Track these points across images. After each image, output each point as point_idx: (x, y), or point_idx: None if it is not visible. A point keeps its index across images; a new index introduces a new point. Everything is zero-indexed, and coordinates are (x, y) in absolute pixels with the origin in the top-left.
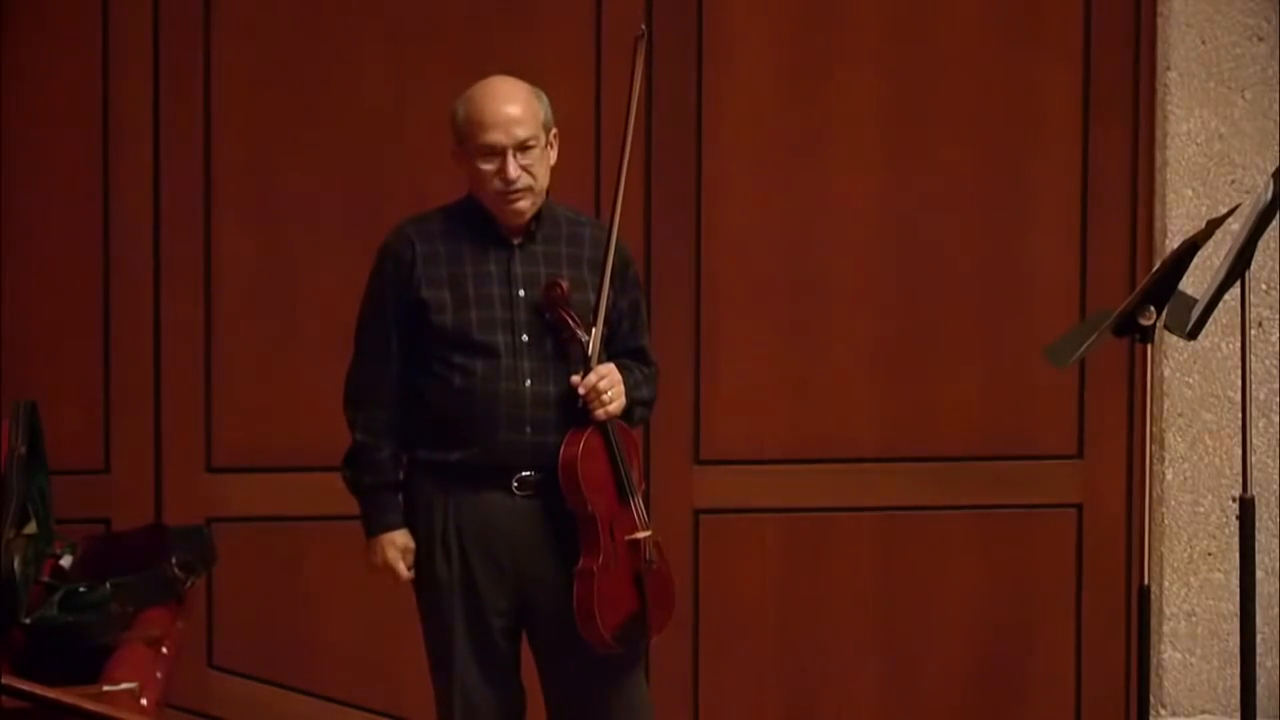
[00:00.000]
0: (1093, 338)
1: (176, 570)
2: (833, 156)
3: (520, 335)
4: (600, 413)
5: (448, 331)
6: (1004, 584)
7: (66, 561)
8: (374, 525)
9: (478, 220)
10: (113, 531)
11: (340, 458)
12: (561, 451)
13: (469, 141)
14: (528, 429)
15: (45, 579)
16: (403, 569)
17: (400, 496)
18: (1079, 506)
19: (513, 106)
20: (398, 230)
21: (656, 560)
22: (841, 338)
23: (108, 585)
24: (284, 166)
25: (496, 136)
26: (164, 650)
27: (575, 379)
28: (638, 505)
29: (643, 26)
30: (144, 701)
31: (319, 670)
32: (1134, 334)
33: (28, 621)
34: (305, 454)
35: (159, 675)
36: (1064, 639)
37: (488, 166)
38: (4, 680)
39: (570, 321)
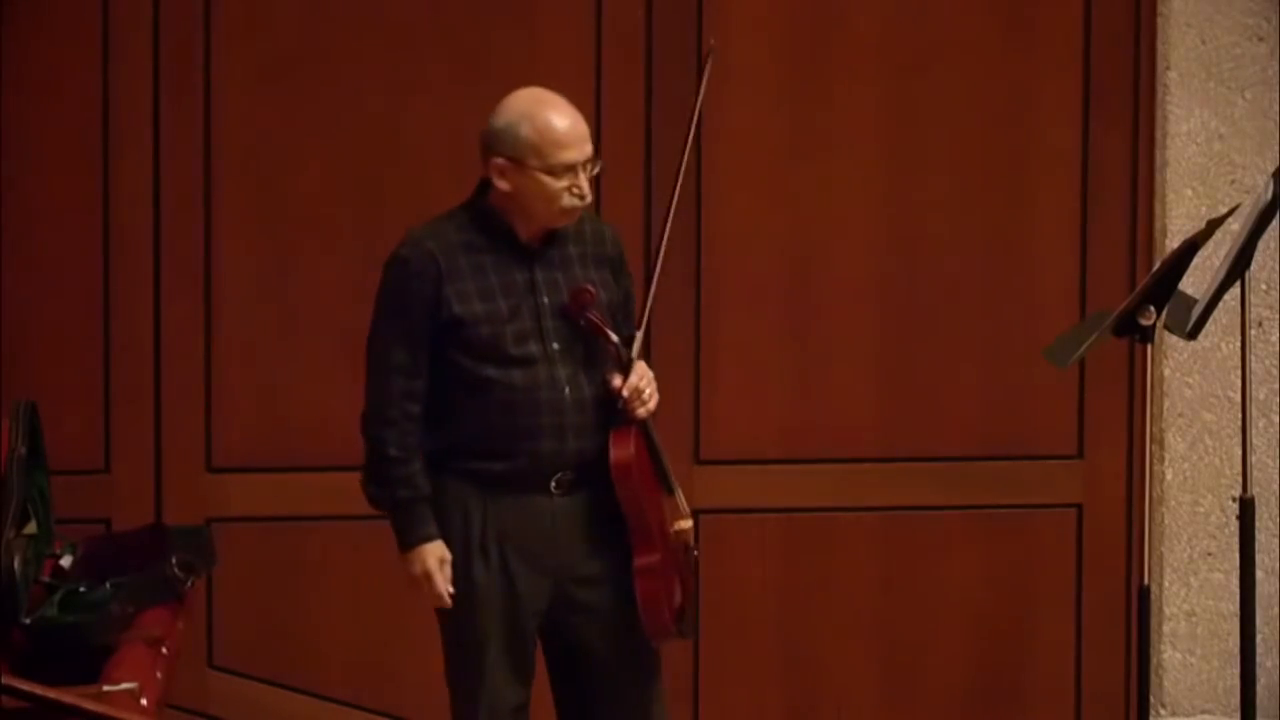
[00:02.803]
0: (1093, 338)
1: (176, 570)
2: (832, 157)
3: (551, 343)
4: (642, 411)
5: (483, 346)
6: (1004, 584)
7: (66, 561)
8: (411, 538)
9: (493, 228)
10: (113, 531)
11: (338, 458)
12: (613, 455)
13: (540, 158)
14: (571, 436)
15: (45, 579)
16: (443, 580)
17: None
18: (1079, 506)
19: (580, 123)
20: (414, 244)
21: (695, 547)
22: (841, 338)
23: (108, 585)
24: (284, 167)
25: (573, 154)
26: (164, 650)
27: (616, 381)
28: (680, 496)
29: (712, 40)
30: (144, 701)
31: (319, 670)
32: (1134, 334)
33: (28, 621)
34: (305, 454)
35: (159, 675)
36: (1064, 639)
37: (559, 183)
38: (4, 680)
39: (603, 325)
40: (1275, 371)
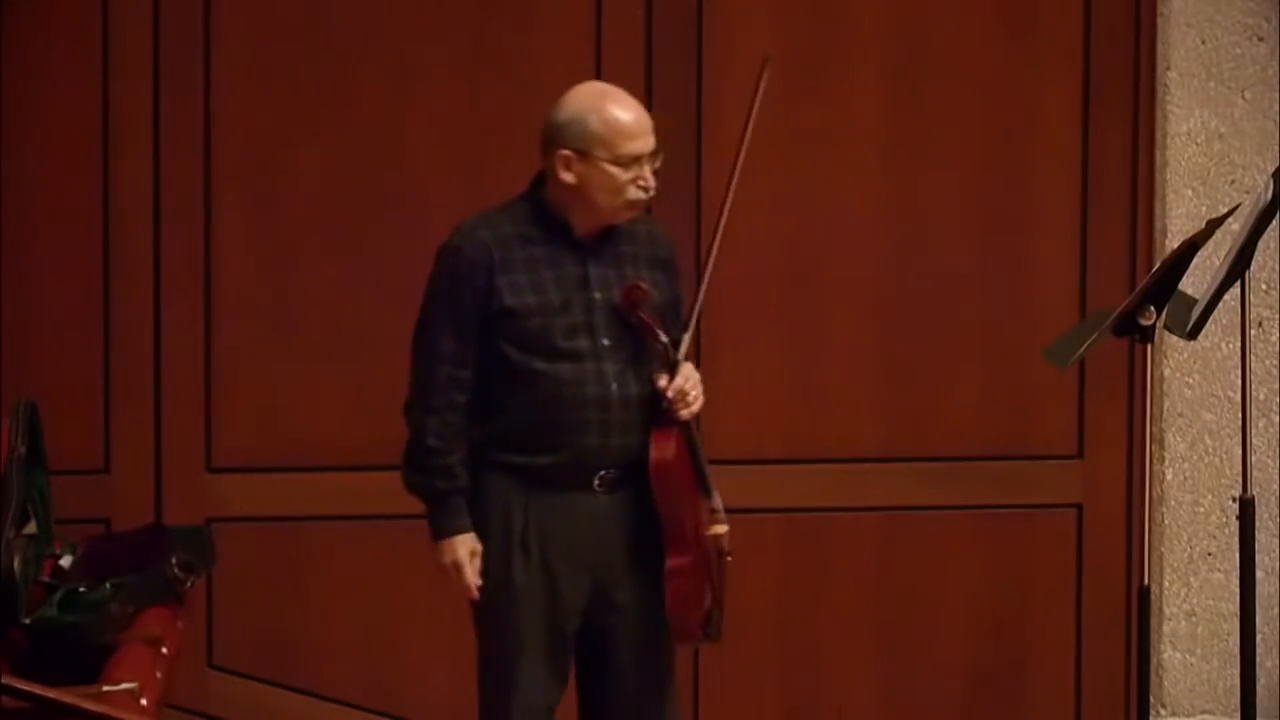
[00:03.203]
0: (1093, 338)
1: (176, 570)
2: (833, 157)
3: (601, 339)
4: (685, 413)
5: (532, 338)
6: (1004, 584)
7: (66, 561)
8: (444, 528)
9: (548, 222)
10: (113, 531)
11: (338, 458)
12: (652, 456)
13: (607, 149)
14: (615, 432)
15: (45, 579)
16: (472, 571)
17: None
18: (1079, 506)
19: (645, 115)
20: (468, 233)
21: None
22: (841, 338)
23: (108, 585)
24: (284, 166)
25: (640, 145)
26: (164, 650)
27: (662, 381)
28: (717, 500)
29: (771, 49)
30: (144, 701)
31: (319, 670)
32: (1134, 334)
33: (28, 621)
34: (305, 454)
35: (159, 675)
36: (1064, 639)
37: (625, 174)
38: (4, 680)
39: (653, 324)
40: (1275, 371)
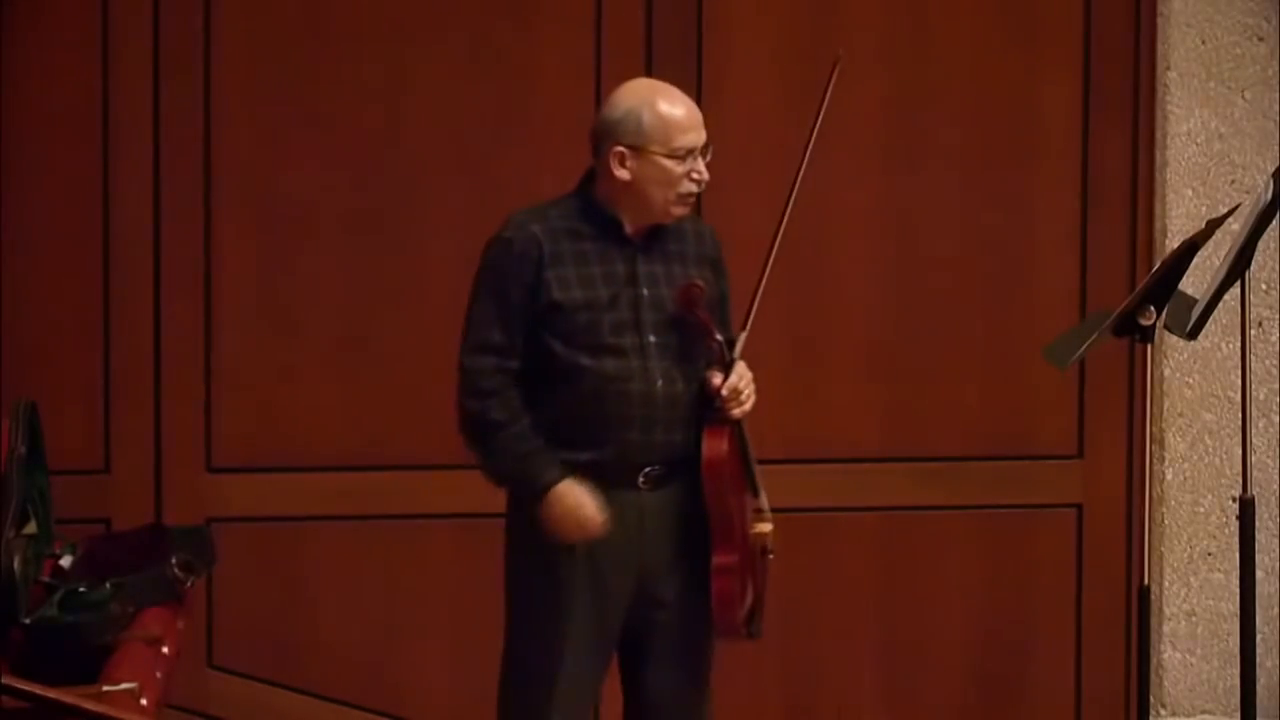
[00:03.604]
0: (1093, 338)
1: (176, 570)
2: (833, 157)
3: (647, 335)
4: (738, 412)
5: (579, 333)
6: (1004, 584)
7: (66, 561)
8: (544, 480)
9: (598, 218)
10: (113, 531)
11: (338, 458)
12: (705, 453)
13: (662, 143)
14: (659, 429)
15: (45, 579)
16: (591, 505)
17: None
18: (1079, 506)
19: (695, 109)
20: (518, 226)
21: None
22: (842, 338)
23: (108, 585)
24: (284, 166)
25: (694, 137)
26: (164, 650)
27: (716, 379)
28: (763, 499)
29: (841, 51)
30: (144, 701)
31: (319, 670)
32: (1134, 334)
33: (28, 621)
34: (305, 454)
35: (159, 675)
36: (1064, 639)
37: (680, 168)
38: (4, 680)
39: (709, 322)
40: (1275, 371)
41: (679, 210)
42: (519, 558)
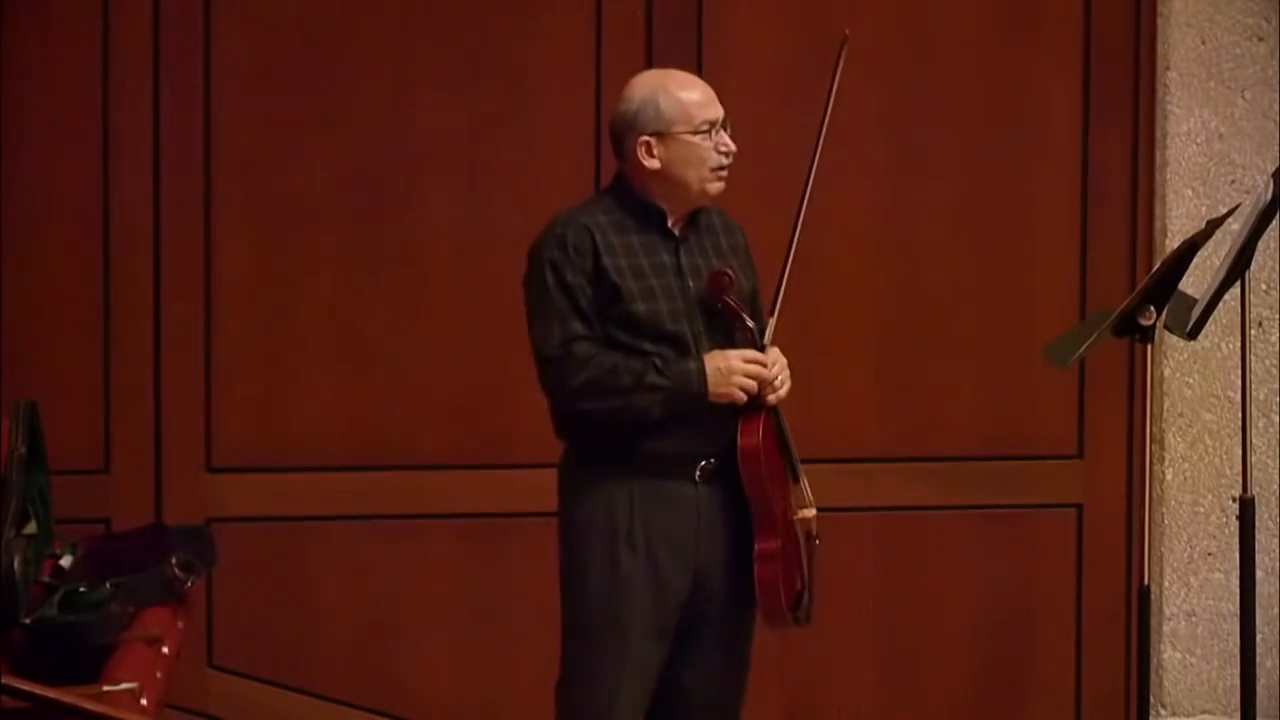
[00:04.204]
0: (1093, 338)
1: (176, 570)
2: (833, 157)
3: (697, 325)
4: (772, 398)
5: (641, 322)
6: (1004, 584)
7: (66, 561)
8: (695, 380)
9: (640, 211)
10: (113, 531)
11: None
12: (741, 441)
13: (685, 122)
14: (715, 420)
15: (45, 579)
16: (736, 354)
17: None
18: (1079, 506)
19: (707, 85)
20: (567, 222)
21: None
22: (842, 337)
23: (108, 585)
24: (284, 167)
25: (714, 110)
26: (164, 650)
27: (757, 356)
28: (805, 484)
29: (846, 31)
30: (144, 701)
31: (319, 670)
32: (1134, 334)
33: (28, 621)
34: (305, 454)
35: (159, 675)
36: (1064, 639)
37: (707, 142)
38: (4, 680)
39: (740, 309)
40: (1275, 371)
41: (715, 187)
42: (579, 556)
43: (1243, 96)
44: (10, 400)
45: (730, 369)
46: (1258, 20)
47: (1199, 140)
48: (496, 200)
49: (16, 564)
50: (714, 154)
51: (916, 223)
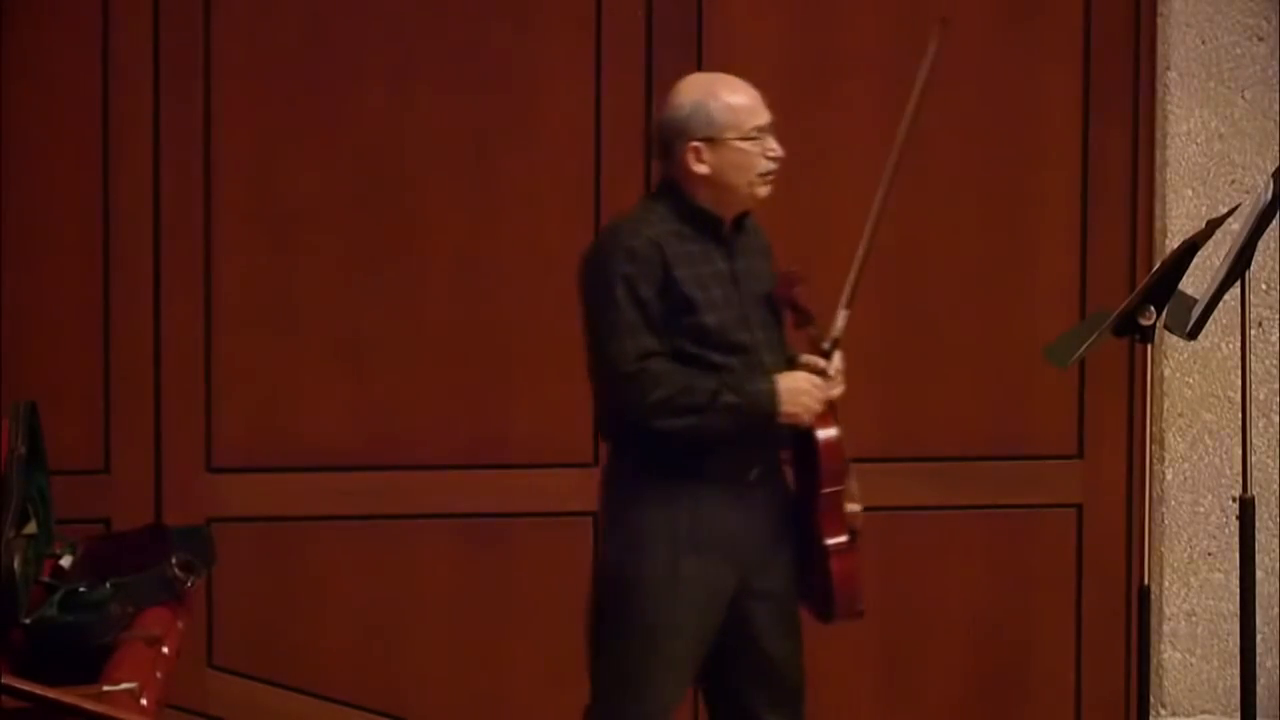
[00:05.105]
0: (1093, 338)
1: (176, 570)
2: (832, 156)
3: (756, 332)
4: (837, 393)
5: (710, 333)
6: (1004, 584)
7: (66, 561)
8: (768, 400)
9: (696, 219)
10: (113, 531)
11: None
12: (822, 435)
13: (736, 127)
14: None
15: (45, 579)
16: (803, 376)
17: None
18: (1079, 506)
19: (755, 90)
20: (632, 233)
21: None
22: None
23: (108, 585)
24: (284, 167)
25: (762, 116)
26: (164, 650)
27: (822, 362)
28: (853, 480)
29: (944, 16)
30: (144, 701)
31: (319, 670)
32: (1134, 334)
33: (28, 621)
34: (305, 454)
35: (159, 675)
36: (1064, 639)
37: (756, 148)
38: (4, 680)
39: (809, 306)
40: (1275, 371)
41: (763, 191)
42: (635, 560)
43: (1243, 96)
44: (10, 400)
45: (799, 389)
46: (1258, 20)
47: (1199, 140)
48: (497, 200)
49: (16, 564)
50: (762, 160)
51: (916, 222)
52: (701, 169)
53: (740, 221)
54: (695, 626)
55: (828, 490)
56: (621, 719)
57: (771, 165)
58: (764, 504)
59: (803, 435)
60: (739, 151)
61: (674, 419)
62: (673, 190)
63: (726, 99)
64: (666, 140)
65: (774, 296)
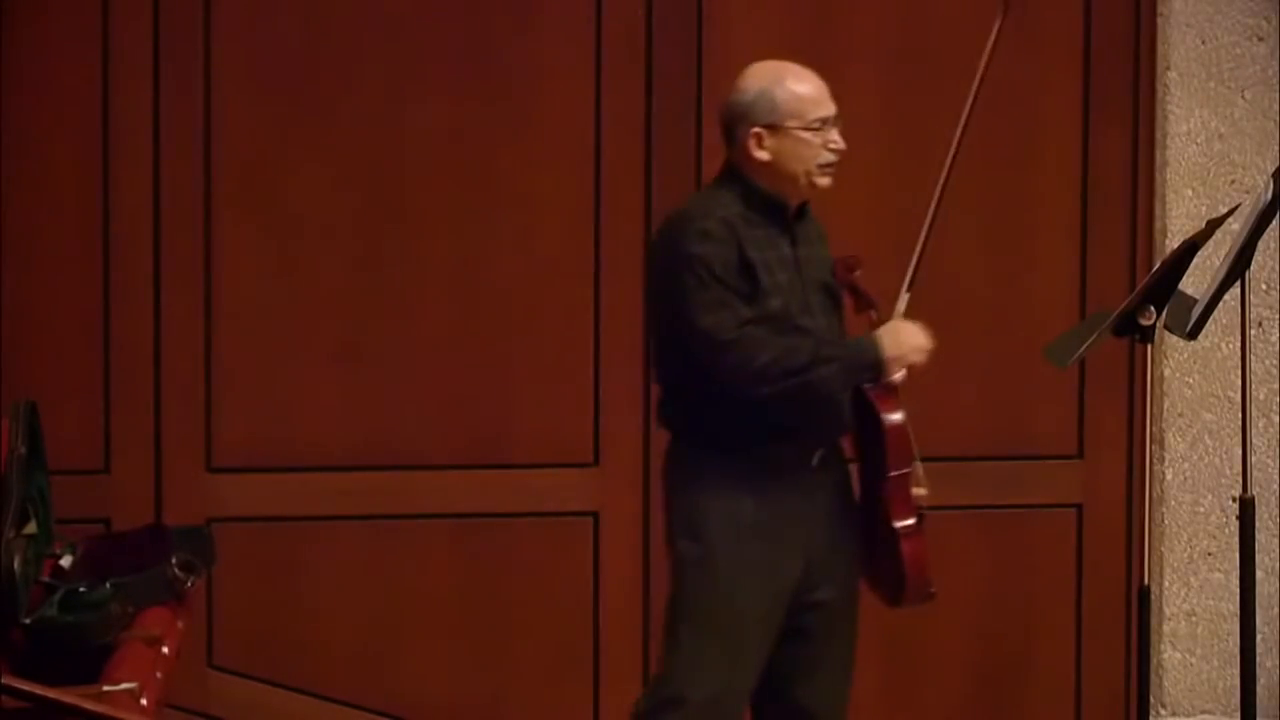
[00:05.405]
0: (1093, 338)
1: (176, 570)
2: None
3: (818, 317)
4: (899, 375)
5: (775, 316)
6: (1004, 584)
7: (66, 561)
8: (868, 351)
9: (762, 204)
10: (113, 531)
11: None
12: (889, 418)
13: (800, 116)
14: (838, 409)
15: (45, 579)
16: (901, 324)
17: None
18: (1079, 506)
19: (822, 82)
20: (705, 215)
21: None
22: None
23: (108, 585)
24: (284, 167)
25: (826, 108)
26: (164, 650)
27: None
28: (918, 463)
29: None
30: (144, 701)
31: (319, 670)
32: (1134, 334)
33: (28, 621)
34: (305, 454)
35: (159, 675)
36: (1064, 639)
37: (817, 139)
38: (4, 680)
39: (869, 290)
40: (1275, 371)
41: (823, 181)
42: (705, 545)
43: (1243, 96)
44: (10, 400)
45: (902, 330)
46: (1258, 20)
47: (1199, 140)
48: (496, 200)
49: (16, 564)
50: (824, 151)
51: (916, 223)
52: (762, 155)
53: (802, 209)
54: (764, 611)
55: (896, 473)
56: (680, 703)
57: (832, 157)
58: (826, 489)
59: (867, 420)
60: (800, 141)
61: (783, 381)
62: (736, 175)
63: (792, 87)
64: (730, 124)
65: (836, 281)
